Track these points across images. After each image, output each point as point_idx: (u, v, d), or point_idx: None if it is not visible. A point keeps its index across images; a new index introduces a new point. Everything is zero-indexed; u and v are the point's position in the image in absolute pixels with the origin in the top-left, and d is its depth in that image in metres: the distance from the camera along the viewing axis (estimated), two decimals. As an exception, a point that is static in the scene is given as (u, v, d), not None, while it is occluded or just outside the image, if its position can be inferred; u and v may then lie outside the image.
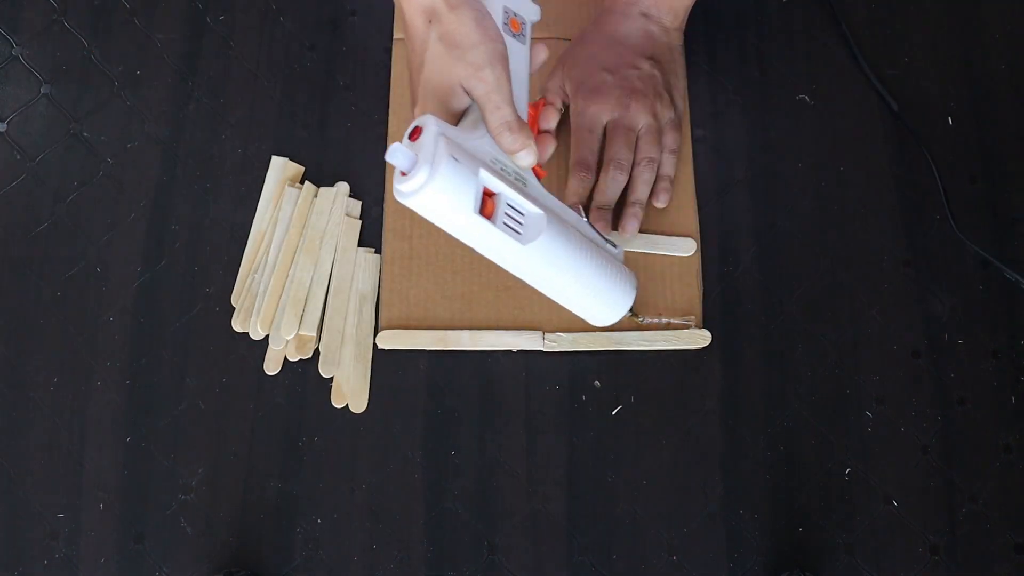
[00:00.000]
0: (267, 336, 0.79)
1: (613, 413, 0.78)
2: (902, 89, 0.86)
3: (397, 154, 0.59)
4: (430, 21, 0.63)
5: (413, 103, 0.66)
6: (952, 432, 0.78)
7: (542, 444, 0.78)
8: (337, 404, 0.78)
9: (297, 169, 0.84)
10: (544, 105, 0.81)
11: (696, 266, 0.81)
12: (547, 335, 0.79)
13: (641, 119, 0.79)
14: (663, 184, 0.81)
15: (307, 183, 0.83)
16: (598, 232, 0.72)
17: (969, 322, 0.80)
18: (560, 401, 0.78)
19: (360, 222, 0.82)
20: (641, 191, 0.79)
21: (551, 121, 0.80)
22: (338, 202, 0.83)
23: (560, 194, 0.76)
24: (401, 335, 0.79)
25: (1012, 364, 0.80)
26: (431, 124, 0.61)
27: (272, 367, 0.79)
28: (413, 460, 0.77)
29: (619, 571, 0.75)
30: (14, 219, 0.83)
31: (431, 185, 0.59)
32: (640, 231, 0.80)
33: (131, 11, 0.88)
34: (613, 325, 0.74)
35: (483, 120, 0.64)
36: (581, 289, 0.70)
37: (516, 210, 0.64)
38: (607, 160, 0.79)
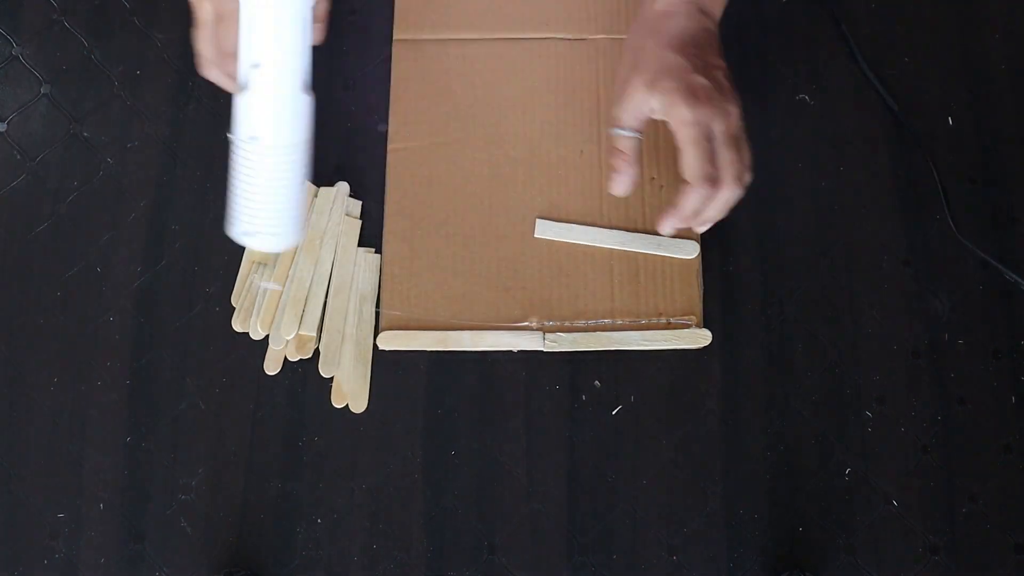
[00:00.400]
0: (267, 336, 0.79)
1: (613, 413, 0.78)
2: (902, 89, 0.86)
3: None
4: None
5: None
6: (952, 432, 0.78)
7: (542, 444, 0.78)
8: (337, 404, 0.78)
9: (297, 169, 0.84)
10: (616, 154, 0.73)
11: (696, 265, 0.81)
12: (547, 335, 0.79)
13: (737, 124, 0.71)
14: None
15: (307, 183, 0.83)
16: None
17: (969, 322, 0.80)
18: (560, 401, 0.78)
19: (360, 222, 0.82)
20: (723, 211, 0.72)
21: (632, 152, 0.73)
22: (338, 202, 0.83)
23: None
24: (401, 336, 0.79)
25: (1012, 364, 0.80)
26: None
27: (272, 367, 0.79)
28: (413, 460, 0.77)
29: (619, 571, 0.75)
30: (14, 219, 0.83)
31: None
32: (643, 232, 0.80)
33: (131, 11, 0.88)
34: (613, 325, 0.74)
35: None
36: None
37: None
38: (724, 172, 0.69)
